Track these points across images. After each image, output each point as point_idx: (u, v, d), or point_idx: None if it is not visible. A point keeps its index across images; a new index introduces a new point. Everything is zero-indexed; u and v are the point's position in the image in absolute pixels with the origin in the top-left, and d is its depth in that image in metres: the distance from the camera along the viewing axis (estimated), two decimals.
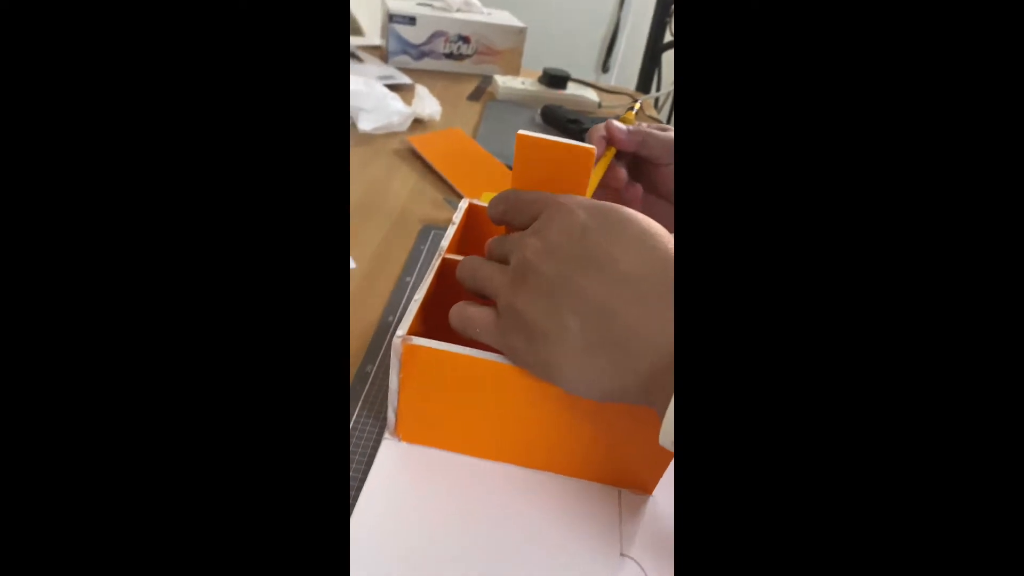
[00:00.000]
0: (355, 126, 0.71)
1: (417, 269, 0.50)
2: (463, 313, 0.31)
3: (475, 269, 0.32)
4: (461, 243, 0.42)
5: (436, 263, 0.36)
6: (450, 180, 0.64)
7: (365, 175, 0.64)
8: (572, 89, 0.94)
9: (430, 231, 0.56)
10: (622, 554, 0.32)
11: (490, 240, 0.34)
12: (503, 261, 0.32)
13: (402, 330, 0.30)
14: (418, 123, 0.77)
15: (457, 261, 0.37)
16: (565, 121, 0.81)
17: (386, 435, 0.35)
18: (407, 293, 0.47)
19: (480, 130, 0.78)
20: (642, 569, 0.31)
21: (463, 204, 0.43)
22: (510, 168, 0.69)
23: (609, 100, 0.99)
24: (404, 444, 0.35)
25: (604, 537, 0.32)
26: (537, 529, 0.32)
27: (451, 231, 0.39)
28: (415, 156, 0.69)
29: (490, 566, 0.30)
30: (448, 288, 0.38)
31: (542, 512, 0.33)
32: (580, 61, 1.88)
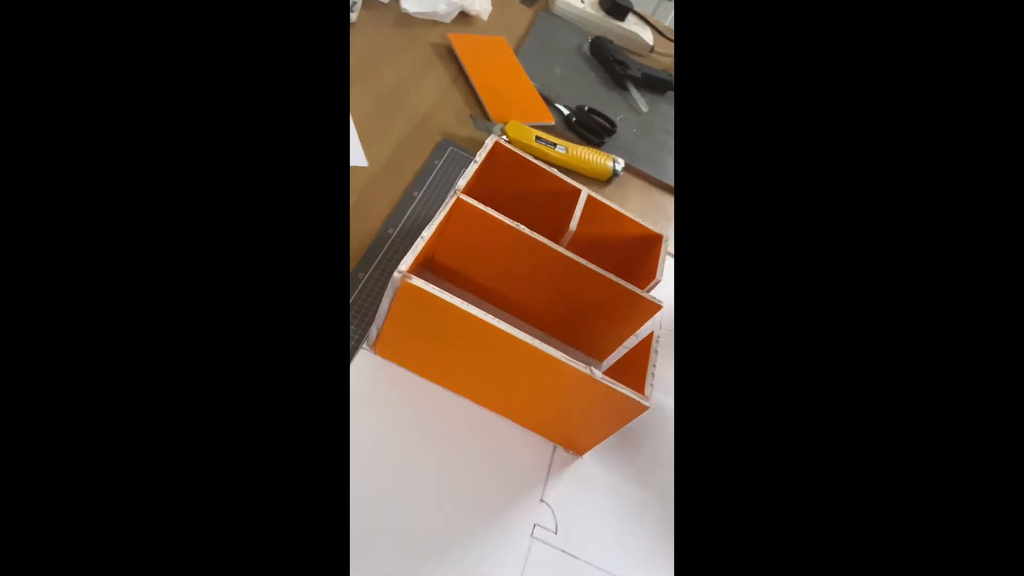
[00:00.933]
0: (399, 3, 0.67)
1: (426, 186, 0.51)
2: None
3: None
4: (479, 182, 0.42)
5: (450, 201, 0.37)
6: (480, 94, 0.62)
7: (398, 64, 0.61)
8: (630, 23, 0.89)
9: (448, 146, 0.56)
10: (541, 500, 0.37)
11: None
12: None
13: (404, 266, 0.32)
14: (463, 17, 0.72)
15: (471, 205, 0.38)
16: (612, 60, 0.78)
17: (364, 345, 0.38)
18: (411, 209, 0.48)
19: (524, 44, 0.74)
20: (554, 517, 0.36)
21: (489, 141, 0.43)
22: (543, 96, 0.67)
23: (663, 46, 0.94)
24: (379, 358, 0.38)
25: (530, 482, 0.37)
26: (476, 460, 0.36)
27: (471, 170, 0.40)
28: (451, 56, 0.66)
29: (427, 481, 0.34)
30: (458, 227, 0.39)
31: (485, 447, 0.37)
32: None
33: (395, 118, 0.56)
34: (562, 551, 0.35)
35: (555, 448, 0.39)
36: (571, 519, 0.36)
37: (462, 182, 0.39)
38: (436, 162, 0.53)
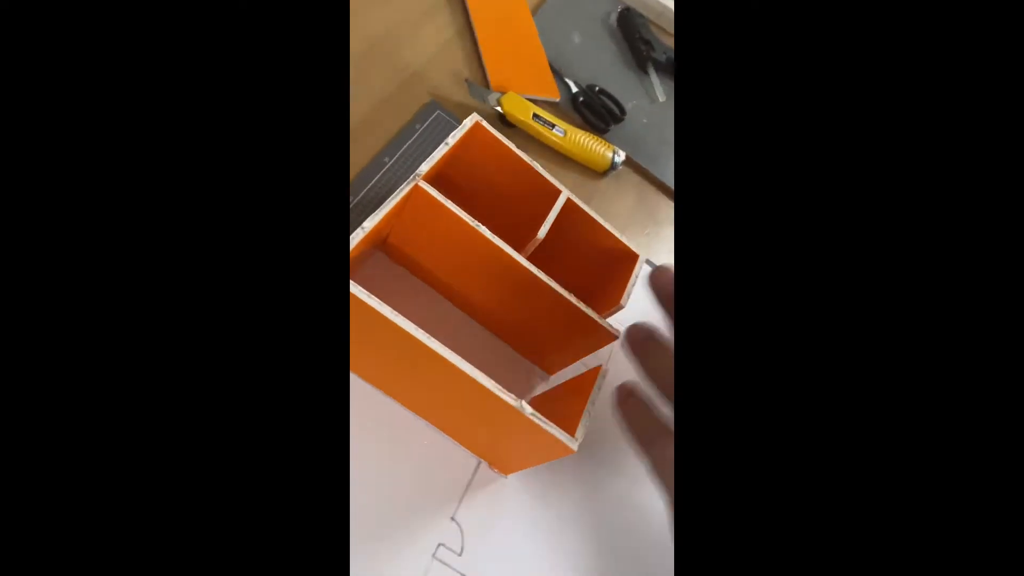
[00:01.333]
0: None
1: (401, 152, 0.47)
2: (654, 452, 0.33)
3: (638, 418, 0.35)
4: (450, 163, 0.38)
5: (406, 188, 0.33)
6: (484, 55, 0.57)
7: (397, 4, 0.55)
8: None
9: (435, 109, 0.51)
10: (452, 518, 0.35)
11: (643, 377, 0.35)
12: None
13: None
14: None
15: (430, 195, 0.34)
16: (638, 37, 0.72)
17: None
18: (377, 178, 0.44)
19: (544, 7, 0.67)
20: (462, 537, 0.35)
21: (468, 121, 0.38)
22: (553, 68, 0.61)
23: None
24: None
25: (445, 497, 0.35)
26: (388, 464, 0.34)
27: (440, 152, 0.36)
28: (460, 4, 0.60)
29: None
30: (414, 215, 0.36)
31: (405, 454, 0.35)
32: None
33: (382, 68, 0.50)
34: None
35: (480, 463, 0.37)
36: (479, 542, 0.35)
37: (425, 166, 0.35)
38: (418, 126, 0.49)
